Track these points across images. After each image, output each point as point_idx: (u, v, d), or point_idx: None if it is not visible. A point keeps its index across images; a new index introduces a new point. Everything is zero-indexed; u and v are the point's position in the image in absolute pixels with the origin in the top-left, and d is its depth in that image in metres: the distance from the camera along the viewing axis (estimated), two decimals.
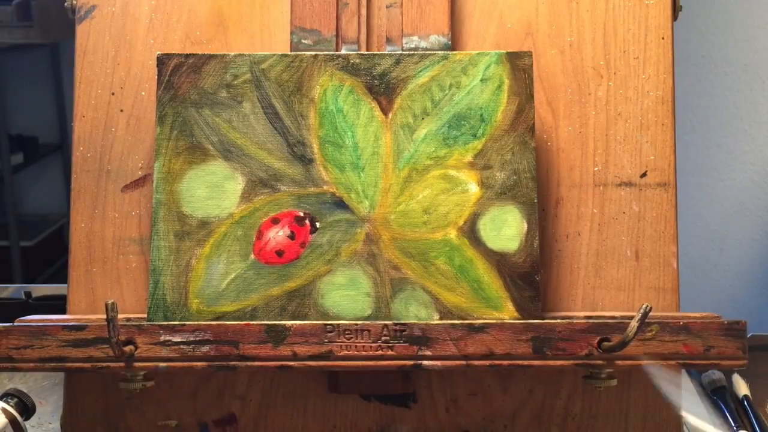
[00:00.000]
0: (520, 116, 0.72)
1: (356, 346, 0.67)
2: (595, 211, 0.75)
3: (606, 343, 0.67)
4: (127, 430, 0.75)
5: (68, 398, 0.75)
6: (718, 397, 0.99)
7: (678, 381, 0.72)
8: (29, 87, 2.67)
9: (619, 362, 0.67)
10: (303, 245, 0.71)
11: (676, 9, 0.77)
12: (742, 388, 0.99)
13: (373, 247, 0.71)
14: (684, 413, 0.76)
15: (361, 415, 0.75)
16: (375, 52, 0.75)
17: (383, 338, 0.67)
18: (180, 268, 0.70)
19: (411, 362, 0.67)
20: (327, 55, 0.73)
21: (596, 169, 0.75)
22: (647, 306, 0.65)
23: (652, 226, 0.74)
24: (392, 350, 0.67)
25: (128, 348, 0.66)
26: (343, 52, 0.76)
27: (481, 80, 0.72)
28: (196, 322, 0.68)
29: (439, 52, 0.74)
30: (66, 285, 0.74)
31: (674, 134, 0.75)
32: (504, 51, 0.73)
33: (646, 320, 0.65)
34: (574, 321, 0.68)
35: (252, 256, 0.70)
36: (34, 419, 0.83)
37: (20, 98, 2.65)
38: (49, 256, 2.54)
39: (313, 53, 0.73)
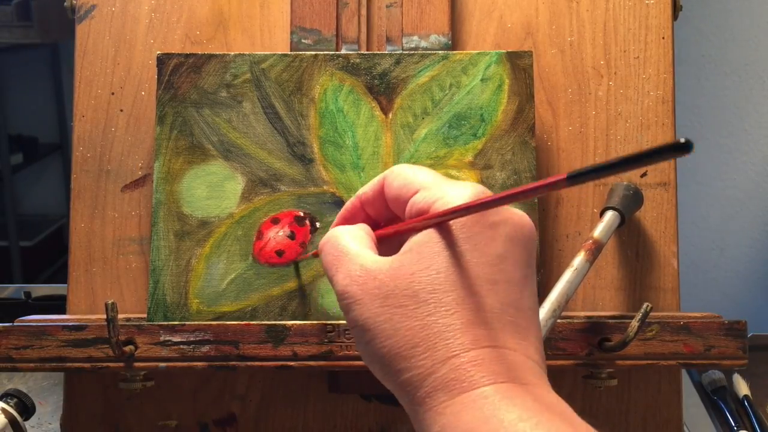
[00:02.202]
0: (520, 116, 0.72)
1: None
2: (595, 211, 0.75)
3: (606, 343, 0.67)
4: (127, 430, 0.75)
5: (68, 398, 0.75)
6: (718, 397, 0.99)
7: None
8: (29, 87, 2.67)
9: (619, 362, 0.67)
10: (303, 245, 0.71)
11: (676, 9, 0.77)
12: (742, 388, 0.99)
13: None
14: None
15: (361, 415, 0.75)
16: (375, 52, 0.75)
17: None
18: (180, 268, 0.70)
19: None
20: (327, 54, 0.73)
21: None
22: (648, 306, 0.65)
23: (652, 226, 0.74)
24: None
25: (128, 348, 0.66)
26: (343, 51, 0.76)
27: (482, 80, 0.72)
28: (196, 322, 0.67)
29: (439, 51, 0.74)
30: (66, 285, 0.74)
31: (674, 134, 0.75)
32: (504, 51, 0.73)
33: (647, 320, 0.65)
34: (574, 321, 0.68)
35: (252, 256, 0.70)
36: (34, 419, 0.83)
37: (20, 98, 2.65)
38: (49, 256, 2.54)
39: (313, 53, 0.73)
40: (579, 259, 0.66)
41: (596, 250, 0.67)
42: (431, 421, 0.37)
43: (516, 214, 0.40)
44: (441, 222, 0.39)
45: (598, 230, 0.68)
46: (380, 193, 0.44)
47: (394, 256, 0.40)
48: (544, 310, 0.63)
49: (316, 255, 0.56)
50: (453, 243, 0.38)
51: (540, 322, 0.41)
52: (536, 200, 0.71)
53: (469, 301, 0.37)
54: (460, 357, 0.37)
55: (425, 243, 0.39)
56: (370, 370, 0.71)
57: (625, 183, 0.72)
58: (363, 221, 0.46)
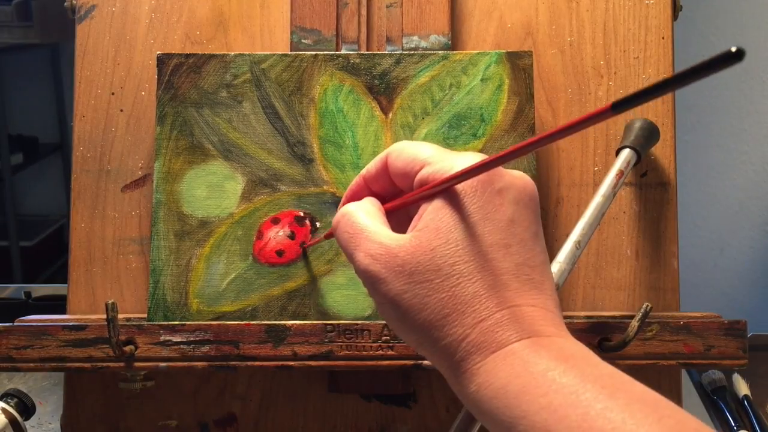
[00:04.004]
0: (520, 116, 0.72)
1: (356, 346, 0.67)
2: None
3: (606, 343, 0.67)
4: (127, 430, 0.75)
5: (68, 398, 0.75)
6: (718, 397, 0.99)
7: None
8: (29, 87, 2.67)
9: (619, 362, 0.67)
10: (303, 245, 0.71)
11: (676, 9, 0.77)
12: (742, 388, 0.99)
13: None
14: None
15: (361, 415, 0.75)
16: (375, 52, 0.75)
17: (383, 338, 0.67)
18: (180, 268, 0.70)
19: (411, 362, 0.67)
20: (327, 54, 0.73)
21: (596, 168, 0.75)
22: (648, 306, 0.65)
23: (652, 226, 0.74)
24: (392, 350, 0.67)
25: (128, 348, 0.66)
26: (343, 51, 0.76)
27: (481, 80, 0.72)
28: (196, 322, 0.68)
29: (439, 51, 0.74)
30: (66, 285, 0.74)
31: (674, 134, 0.75)
32: (504, 51, 0.73)
33: (647, 320, 0.65)
34: (574, 321, 0.68)
35: (252, 256, 0.71)
36: (34, 419, 0.83)
37: (20, 98, 2.65)
38: (49, 256, 2.54)
39: (313, 53, 0.73)
40: (606, 186, 0.66)
41: (620, 181, 0.67)
42: (467, 382, 0.40)
43: (518, 178, 0.43)
44: (449, 186, 0.41)
45: (619, 165, 0.68)
46: (384, 170, 0.46)
47: (411, 234, 0.42)
48: (570, 242, 0.63)
49: (330, 236, 0.57)
50: (465, 215, 0.41)
51: (552, 274, 0.43)
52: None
53: (488, 267, 0.40)
54: (488, 320, 0.40)
55: (440, 219, 0.41)
56: (368, 370, 0.72)
57: (640, 119, 0.72)
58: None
